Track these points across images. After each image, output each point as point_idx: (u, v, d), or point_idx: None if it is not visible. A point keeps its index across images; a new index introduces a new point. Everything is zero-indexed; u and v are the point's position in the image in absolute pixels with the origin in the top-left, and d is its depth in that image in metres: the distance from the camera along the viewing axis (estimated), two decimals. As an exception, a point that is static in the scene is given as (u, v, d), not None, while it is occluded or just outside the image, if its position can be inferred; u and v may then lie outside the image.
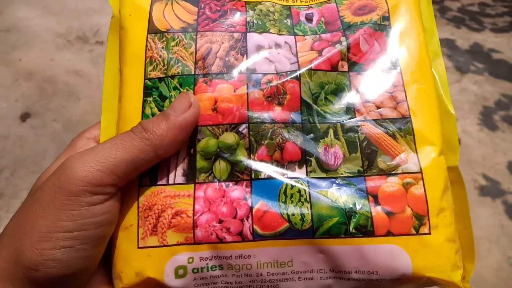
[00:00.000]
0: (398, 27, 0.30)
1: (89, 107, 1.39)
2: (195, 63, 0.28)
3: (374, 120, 0.28)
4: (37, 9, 1.90)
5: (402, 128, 0.27)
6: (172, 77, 0.28)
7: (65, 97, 1.42)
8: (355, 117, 0.28)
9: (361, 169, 0.26)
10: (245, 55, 0.29)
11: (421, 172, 0.26)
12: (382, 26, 0.30)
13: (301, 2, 0.32)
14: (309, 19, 0.31)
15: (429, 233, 0.25)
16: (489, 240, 1.12)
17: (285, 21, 0.30)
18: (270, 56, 0.29)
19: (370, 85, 0.29)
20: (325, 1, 0.32)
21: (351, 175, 0.26)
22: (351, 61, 0.29)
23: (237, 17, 0.30)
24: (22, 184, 1.14)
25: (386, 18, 0.30)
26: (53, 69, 1.54)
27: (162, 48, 0.29)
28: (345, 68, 0.29)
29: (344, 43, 0.29)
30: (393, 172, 0.26)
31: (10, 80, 1.48)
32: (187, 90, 0.28)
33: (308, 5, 0.32)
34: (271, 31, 0.30)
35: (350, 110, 0.28)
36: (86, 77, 1.52)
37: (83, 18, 1.85)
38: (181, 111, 0.25)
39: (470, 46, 1.99)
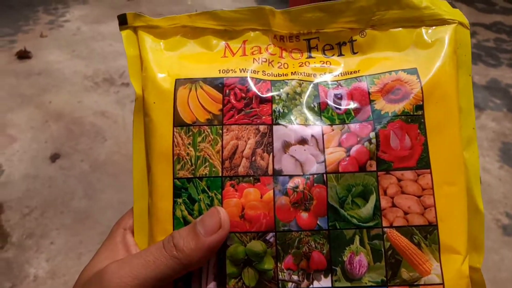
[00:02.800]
0: (432, 118, 0.28)
1: (115, 148, 1.45)
2: (222, 163, 0.29)
3: (400, 226, 0.27)
4: (67, 53, 2.01)
5: (428, 236, 0.27)
6: (200, 178, 0.28)
7: (92, 138, 1.49)
8: (382, 223, 0.27)
9: (385, 278, 0.27)
10: (271, 154, 0.28)
11: (443, 283, 0.26)
12: (414, 117, 0.28)
13: (329, 76, 0.31)
14: (337, 100, 0.30)
15: None
16: (517, 283, 1.09)
17: (312, 105, 0.29)
18: (297, 154, 0.28)
19: (398, 188, 0.28)
20: (355, 77, 0.30)
21: (375, 284, 0.27)
22: (380, 158, 0.28)
23: (263, 106, 0.29)
24: (51, 224, 1.19)
25: (419, 107, 0.28)
26: (81, 110, 1.62)
27: (189, 144, 0.29)
28: (373, 168, 0.28)
29: (374, 141, 0.28)
30: (415, 283, 0.26)
31: (41, 121, 1.56)
32: (215, 194, 0.28)
33: (337, 81, 0.30)
34: (297, 121, 0.29)
35: (377, 215, 0.27)
36: (112, 118, 1.59)
37: (109, 61, 1.95)
38: (211, 231, 0.26)
39: (488, 82, 1.99)
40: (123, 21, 0.32)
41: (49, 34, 2.19)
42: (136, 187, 0.31)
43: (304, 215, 0.28)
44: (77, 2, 2.63)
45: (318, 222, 0.28)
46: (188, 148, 0.29)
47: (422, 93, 0.28)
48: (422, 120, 0.28)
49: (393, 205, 0.28)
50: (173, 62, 0.31)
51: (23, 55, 1.95)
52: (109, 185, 1.31)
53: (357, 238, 0.27)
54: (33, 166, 1.38)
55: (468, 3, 3.00)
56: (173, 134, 0.29)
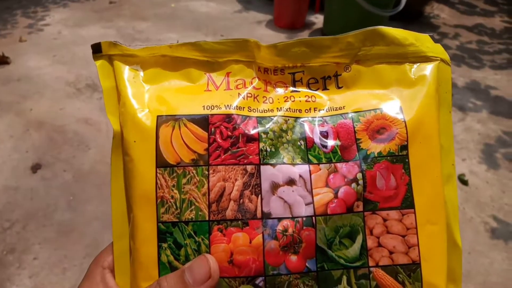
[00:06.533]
0: (416, 157, 0.29)
1: (99, 156, 1.41)
2: (209, 206, 0.28)
3: (386, 266, 0.28)
4: (47, 59, 1.96)
5: (412, 275, 0.28)
6: (186, 222, 0.28)
7: (74, 147, 1.45)
8: (368, 263, 0.28)
9: None
10: (259, 196, 0.28)
11: None
12: (399, 157, 0.29)
13: (314, 111, 0.30)
14: (324, 138, 0.29)
15: None
16: (506, 287, 1.10)
17: (299, 143, 0.29)
18: (285, 195, 0.28)
19: (384, 227, 0.28)
20: (340, 114, 0.30)
21: None
22: (366, 199, 0.28)
23: (250, 145, 0.29)
24: (33, 238, 1.14)
25: (404, 147, 0.29)
26: (63, 118, 1.58)
27: (173, 186, 0.28)
28: (360, 208, 0.28)
29: (361, 182, 0.28)
30: None
31: (21, 130, 1.51)
32: (202, 239, 0.27)
33: (322, 117, 0.30)
34: (285, 160, 0.29)
35: (363, 255, 0.28)
36: (95, 126, 1.55)
37: (92, 66, 1.90)
38: (200, 281, 0.26)
39: (471, 84, 2.02)
40: (97, 49, 0.30)
41: (29, 39, 2.13)
42: (115, 227, 0.30)
43: (293, 258, 0.28)
44: (58, 5, 2.57)
45: (306, 264, 0.28)
46: (172, 190, 0.28)
47: (407, 133, 0.29)
48: (407, 160, 0.29)
49: (379, 245, 0.28)
50: (153, 97, 0.29)
51: (2, 61, 1.90)
52: (93, 195, 1.28)
53: (344, 278, 0.28)
54: (13, 177, 1.33)
55: (450, 5, 3.04)
56: (156, 176, 0.28)
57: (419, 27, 2.59)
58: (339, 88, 0.31)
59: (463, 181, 1.43)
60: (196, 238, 0.27)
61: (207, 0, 2.78)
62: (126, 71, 0.30)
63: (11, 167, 1.36)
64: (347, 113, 0.30)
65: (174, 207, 0.28)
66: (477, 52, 2.36)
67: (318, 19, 2.59)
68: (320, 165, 0.29)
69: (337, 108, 0.30)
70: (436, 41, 0.32)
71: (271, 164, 0.28)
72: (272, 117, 0.30)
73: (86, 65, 1.91)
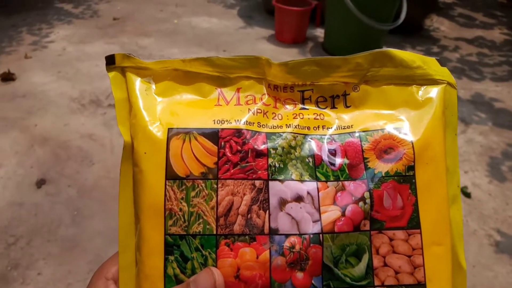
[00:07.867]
0: (422, 179, 0.29)
1: (103, 172, 1.42)
2: (217, 220, 0.28)
3: (391, 286, 0.28)
4: (52, 74, 1.98)
5: None
6: (194, 236, 0.28)
7: (78, 162, 1.46)
8: (374, 282, 0.28)
9: None
10: (267, 211, 0.28)
11: None
12: (406, 177, 0.29)
13: (323, 129, 0.31)
14: (332, 155, 0.30)
15: None
16: (512, 300, 1.09)
17: (307, 160, 0.29)
18: (293, 212, 0.28)
19: (390, 247, 0.28)
20: (348, 132, 0.30)
21: None
22: (373, 218, 0.29)
23: (259, 160, 0.29)
24: (37, 254, 1.15)
25: (411, 168, 0.29)
26: (68, 134, 1.59)
27: (182, 199, 0.28)
28: (367, 227, 0.28)
29: (368, 201, 0.28)
30: None
31: (26, 146, 1.52)
32: (209, 253, 0.28)
33: (330, 135, 0.30)
34: (293, 176, 0.29)
35: (369, 274, 0.28)
36: (99, 141, 1.56)
37: (95, 82, 1.92)
38: None
39: (472, 96, 2.03)
40: (110, 61, 0.31)
41: (34, 55, 2.16)
42: (122, 238, 0.30)
43: (300, 275, 0.28)
44: (62, 22, 2.61)
45: (312, 281, 0.28)
46: (181, 203, 0.28)
47: (414, 153, 0.29)
48: (413, 181, 0.29)
49: (385, 265, 0.28)
50: (165, 109, 0.30)
51: (7, 77, 1.92)
52: (97, 211, 1.28)
53: None
54: (18, 192, 1.34)
55: (450, 18, 3.07)
56: (165, 188, 0.28)
57: (419, 40, 2.62)
58: (347, 107, 0.32)
59: (465, 193, 1.43)
60: (203, 252, 0.28)
61: (209, 16, 2.82)
62: (138, 83, 0.30)
63: (16, 183, 1.37)
64: (354, 132, 0.30)
65: (182, 219, 0.28)
66: (478, 65, 2.37)
67: (319, 33, 2.62)
68: (328, 182, 0.29)
69: (345, 127, 0.31)
70: (436, 54, 0.33)
71: (279, 180, 0.29)
72: (281, 133, 0.30)
73: (90, 81, 1.93)
